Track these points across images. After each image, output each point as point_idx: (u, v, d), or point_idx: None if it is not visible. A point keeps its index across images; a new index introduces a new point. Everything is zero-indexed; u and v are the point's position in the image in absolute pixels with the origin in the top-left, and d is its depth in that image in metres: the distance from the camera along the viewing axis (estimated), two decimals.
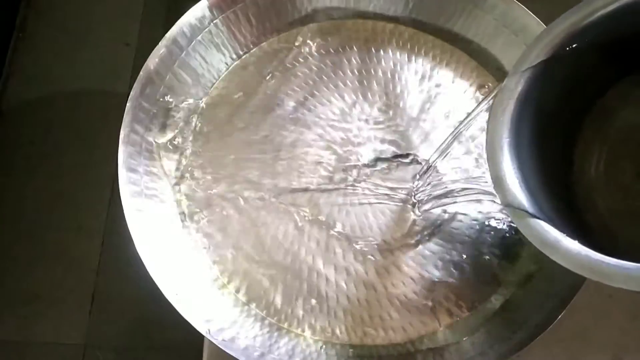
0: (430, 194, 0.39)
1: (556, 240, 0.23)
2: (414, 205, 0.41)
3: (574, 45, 0.25)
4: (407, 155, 0.42)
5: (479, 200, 0.38)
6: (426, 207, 0.40)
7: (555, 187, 0.28)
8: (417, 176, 0.41)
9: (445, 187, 0.39)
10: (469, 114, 0.34)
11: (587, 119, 0.29)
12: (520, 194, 0.24)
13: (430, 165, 0.39)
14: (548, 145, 0.28)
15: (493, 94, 0.28)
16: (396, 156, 0.42)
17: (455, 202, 0.39)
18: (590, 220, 0.28)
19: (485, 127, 0.27)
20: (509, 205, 0.24)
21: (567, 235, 0.23)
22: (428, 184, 0.40)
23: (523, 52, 0.26)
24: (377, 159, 0.42)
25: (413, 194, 0.41)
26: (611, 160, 0.28)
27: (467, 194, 0.38)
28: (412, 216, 0.41)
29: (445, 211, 0.41)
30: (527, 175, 0.25)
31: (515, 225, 0.25)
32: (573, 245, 0.22)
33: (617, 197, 0.28)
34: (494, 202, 0.33)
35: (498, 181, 0.25)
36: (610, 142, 0.28)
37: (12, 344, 0.85)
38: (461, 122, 0.35)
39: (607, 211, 0.28)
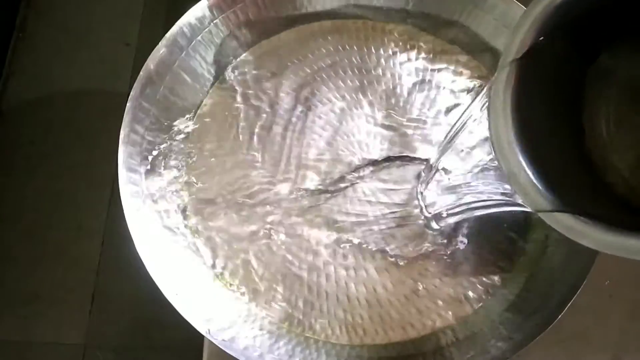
0: (449, 209, 0.38)
1: (584, 228, 0.23)
2: (428, 220, 0.40)
3: (555, 25, 0.25)
4: (409, 158, 0.42)
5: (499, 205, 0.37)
6: (446, 222, 0.39)
7: (571, 160, 0.28)
8: (422, 184, 0.40)
9: (458, 191, 0.39)
10: (463, 112, 0.34)
11: (586, 86, 0.29)
12: (537, 190, 0.24)
13: (433, 167, 0.39)
14: (555, 123, 0.28)
15: (485, 91, 0.27)
16: (397, 157, 0.42)
17: (475, 212, 0.37)
18: (613, 183, 0.28)
19: (487, 124, 0.27)
20: (533, 209, 0.24)
21: (597, 213, 0.23)
22: (436, 188, 0.39)
23: (506, 44, 0.26)
24: (378, 159, 0.42)
25: (423, 205, 0.40)
26: (619, 118, 0.28)
27: (486, 202, 0.36)
28: (416, 225, 0.41)
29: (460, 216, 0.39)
30: (542, 162, 0.25)
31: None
32: (602, 230, 0.22)
33: (633, 152, 0.28)
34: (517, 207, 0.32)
35: (513, 178, 0.25)
36: (614, 102, 0.28)
37: (12, 344, 0.85)
38: (457, 121, 0.35)
39: (627, 168, 0.28)
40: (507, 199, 0.33)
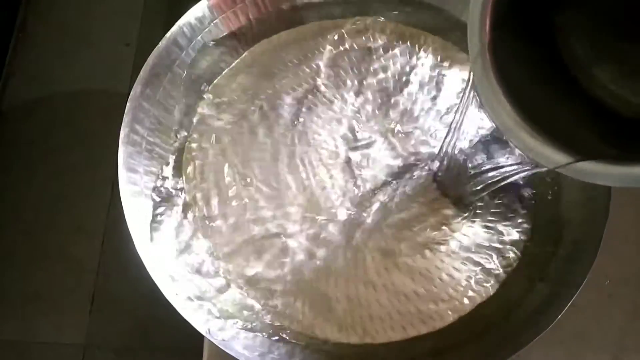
0: (475, 188, 0.39)
1: (603, 169, 0.23)
2: (457, 199, 0.41)
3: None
4: (412, 164, 0.42)
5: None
6: (470, 199, 0.40)
7: (567, 104, 0.29)
8: (440, 172, 0.41)
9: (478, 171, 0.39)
10: (460, 101, 0.34)
11: (556, 25, 0.30)
12: (551, 150, 0.25)
13: (445, 158, 0.39)
14: (540, 74, 0.29)
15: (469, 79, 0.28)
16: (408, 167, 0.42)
17: (498, 185, 0.38)
18: (603, 98, 0.29)
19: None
20: (552, 167, 0.25)
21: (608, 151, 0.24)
22: (451, 172, 0.40)
23: (470, 35, 0.27)
24: (378, 157, 0.42)
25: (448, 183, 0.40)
26: (593, 39, 0.29)
27: (507, 173, 0.37)
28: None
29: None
30: (545, 122, 0.26)
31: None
32: (622, 166, 0.23)
33: (612, 65, 0.29)
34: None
35: (528, 150, 0.26)
36: (585, 27, 0.29)
37: (12, 344, 0.85)
38: (457, 111, 0.35)
39: (611, 82, 0.29)
40: (525, 166, 0.35)
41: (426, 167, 0.42)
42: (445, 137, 0.38)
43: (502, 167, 0.38)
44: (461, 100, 0.34)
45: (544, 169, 0.30)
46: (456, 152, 0.39)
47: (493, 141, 0.41)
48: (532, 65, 0.29)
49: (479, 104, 0.30)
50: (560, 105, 0.29)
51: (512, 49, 0.27)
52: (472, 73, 0.28)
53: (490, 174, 0.37)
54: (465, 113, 0.35)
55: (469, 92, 0.33)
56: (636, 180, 0.22)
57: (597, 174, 0.24)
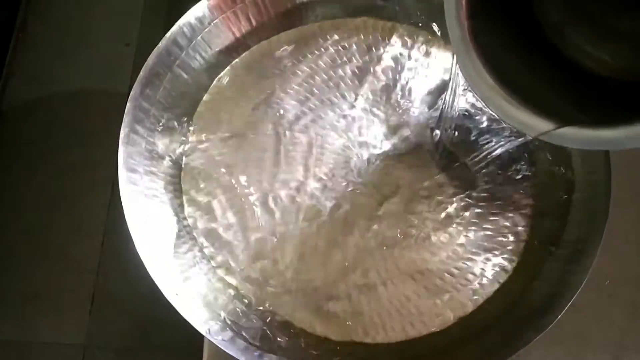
0: (474, 158, 0.41)
1: (587, 134, 0.24)
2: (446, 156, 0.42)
3: None
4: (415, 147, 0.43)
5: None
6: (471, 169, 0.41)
7: (541, 64, 0.30)
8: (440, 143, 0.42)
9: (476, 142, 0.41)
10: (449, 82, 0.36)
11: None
12: (533, 118, 0.26)
13: (444, 121, 0.40)
14: (517, 41, 0.30)
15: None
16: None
17: (494, 153, 0.40)
18: (580, 59, 0.30)
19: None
20: (536, 135, 0.26)
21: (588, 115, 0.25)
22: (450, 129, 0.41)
23: (447, 10, 0.27)
24: (379, 155, 0.42)
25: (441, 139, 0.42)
26: (566, 2, 0.30)
27: (500, 143, 0.39)
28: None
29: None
30: (527, 92, 0.27)
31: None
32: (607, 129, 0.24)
33: (586, 27, 0.30)
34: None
35: (511, 119, 0.27)
36: None
37: (12, 344, 0.85)
38: (447, 90, 0.37)
39: (586, 42, 0.30)
40: (514, 137, 0.37)
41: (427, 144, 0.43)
42: (443, 105, 0.40)
43: (497, 134, 0.40)
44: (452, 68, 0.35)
45: (530, 138, 0.31)
46: (455, 115, 0.40)
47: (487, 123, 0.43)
48: (511, 36, 0.30)
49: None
50: (540, 75, 0.30)
51: (490, 21, 0.28)
52: (453, 49, 0.28)
53: (488, 141, 0.39)
54: (457, 78, 0.37)
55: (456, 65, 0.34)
56: (612, 143, 0.23)
57: (578, 139, 0.24)
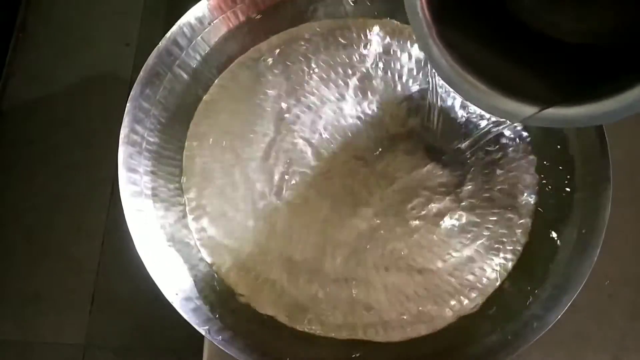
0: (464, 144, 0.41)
1: (565, 113, 0.24)
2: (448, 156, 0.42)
3: None
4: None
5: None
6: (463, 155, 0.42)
7: (511, 47, 0.30)
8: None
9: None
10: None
11: None
12: (513, 104, 0.26)
13: (434, 106, 0.41)
14: (485, 28, 0.30)
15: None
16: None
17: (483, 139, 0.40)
18: (550, 33, 0.30)
19: None
20: (519, 121, 0.26)
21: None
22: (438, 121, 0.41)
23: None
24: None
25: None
26: None
27: (486, 128, 0.39)
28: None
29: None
30: (505, 82, 0.27)
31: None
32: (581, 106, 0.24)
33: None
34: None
35: (493, 110, 0.27)
36: None
37: (12, 344, 0.85)
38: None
39: (538, 6, 0.30)
40: (500, 125, 0.38)
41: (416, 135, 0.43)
42: (430, 91, 0.40)
43: (482, 121, 0.40)
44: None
45: (514, 123, 0.31)
46: (443, 100, 0.41)
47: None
48: (478, 24, 0.30)
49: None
50: (508, 57, 0.29)
51: (452, 9, 0.28)
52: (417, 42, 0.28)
53: (478, 123, 0.39)
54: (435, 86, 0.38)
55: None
56: (589, 118, 0.23)
57: (562, 118, 0.24)
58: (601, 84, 0.25)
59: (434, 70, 0.34)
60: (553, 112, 0.24)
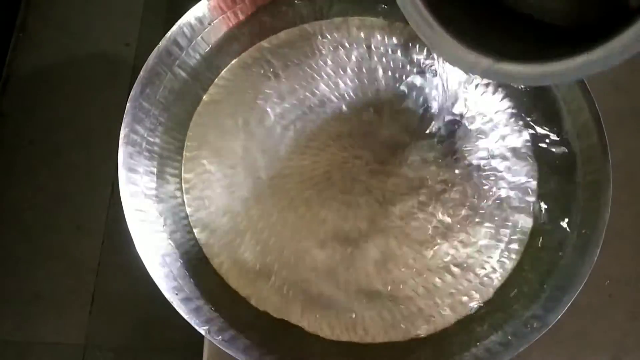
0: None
1: (520, 69, 0.25)
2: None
3: None
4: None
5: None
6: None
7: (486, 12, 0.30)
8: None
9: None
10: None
11: None
12: (473, 55, 0.26)
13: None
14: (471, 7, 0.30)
15: None
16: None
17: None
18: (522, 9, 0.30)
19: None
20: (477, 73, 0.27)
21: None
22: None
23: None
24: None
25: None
26: None
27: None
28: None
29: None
30: (459, 28, 0.27)
31: None
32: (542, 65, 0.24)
33: None
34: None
35: (447, 56, 0.27)
36: None
37: (12, 344, 0.85)
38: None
39: None
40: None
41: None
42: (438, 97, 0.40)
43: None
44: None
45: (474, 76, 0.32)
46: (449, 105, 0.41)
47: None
48: None
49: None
50: (485, 24, 0.30)
51: None
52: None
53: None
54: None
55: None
56: (540, 76, 0.24)
57: (517, 74, 0.25)
58: (556, 51, 0.26)
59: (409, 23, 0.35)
60: (509, 67, 0.25)
